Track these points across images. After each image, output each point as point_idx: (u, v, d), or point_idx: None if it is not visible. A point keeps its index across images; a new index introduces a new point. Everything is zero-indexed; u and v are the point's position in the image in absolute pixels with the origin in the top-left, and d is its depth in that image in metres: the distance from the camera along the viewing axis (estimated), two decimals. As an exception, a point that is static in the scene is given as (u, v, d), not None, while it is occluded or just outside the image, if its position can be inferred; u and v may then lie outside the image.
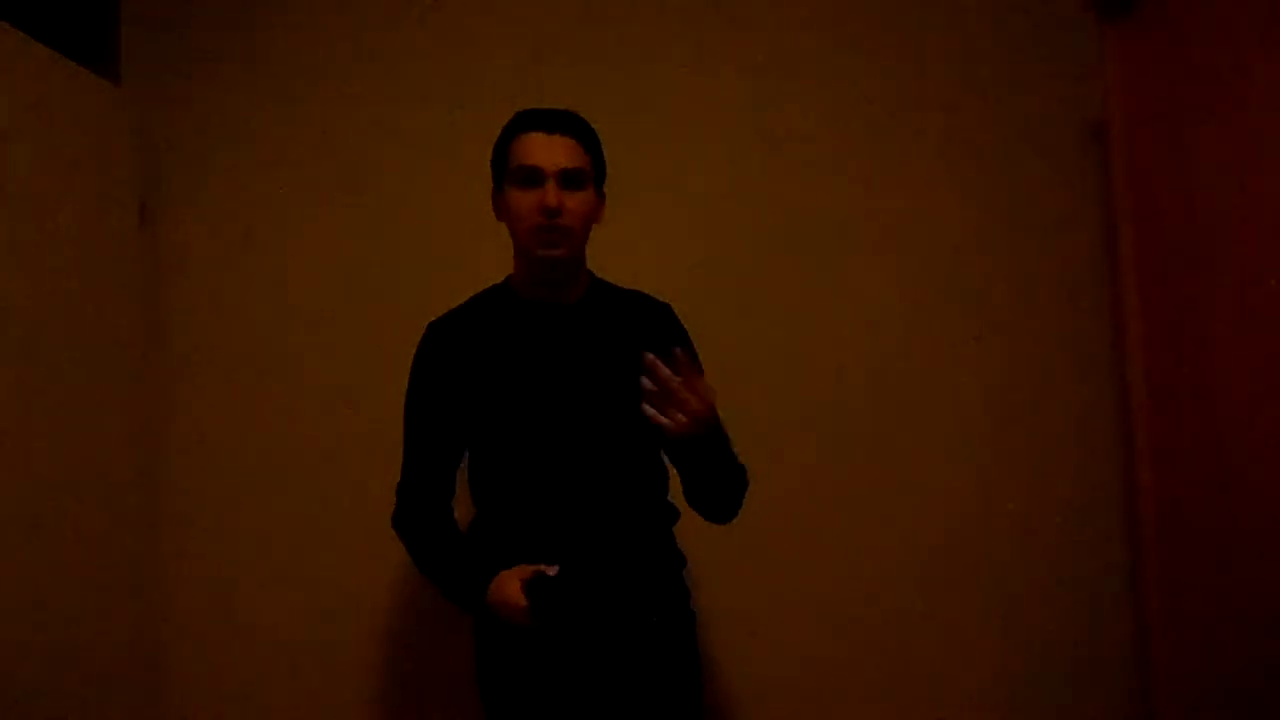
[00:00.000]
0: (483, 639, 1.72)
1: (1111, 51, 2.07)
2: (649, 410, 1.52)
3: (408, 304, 2.32)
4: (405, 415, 1.74)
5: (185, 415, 2.35)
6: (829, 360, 2.31)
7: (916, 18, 2.35)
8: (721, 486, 1.69)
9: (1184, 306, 1.92)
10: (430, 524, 1.71)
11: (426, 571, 1.72)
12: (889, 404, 2.30)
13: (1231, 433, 1.80)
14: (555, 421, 1.68)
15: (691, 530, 1.82)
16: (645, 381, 1.51)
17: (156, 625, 2.30)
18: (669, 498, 1.80)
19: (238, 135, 2.39)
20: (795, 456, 2.27)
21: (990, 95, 2.33)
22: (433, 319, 1.77)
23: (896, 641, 2.26)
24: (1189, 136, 1.87)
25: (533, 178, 1.65)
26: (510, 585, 1.57)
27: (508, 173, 1.69)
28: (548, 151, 1.65)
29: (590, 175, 1.68)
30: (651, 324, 1.79)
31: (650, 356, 1.50)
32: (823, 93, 2.35)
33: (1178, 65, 1.89)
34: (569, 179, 1.65)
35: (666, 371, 1.51)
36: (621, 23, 2.37)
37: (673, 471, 1.78)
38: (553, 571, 1.57)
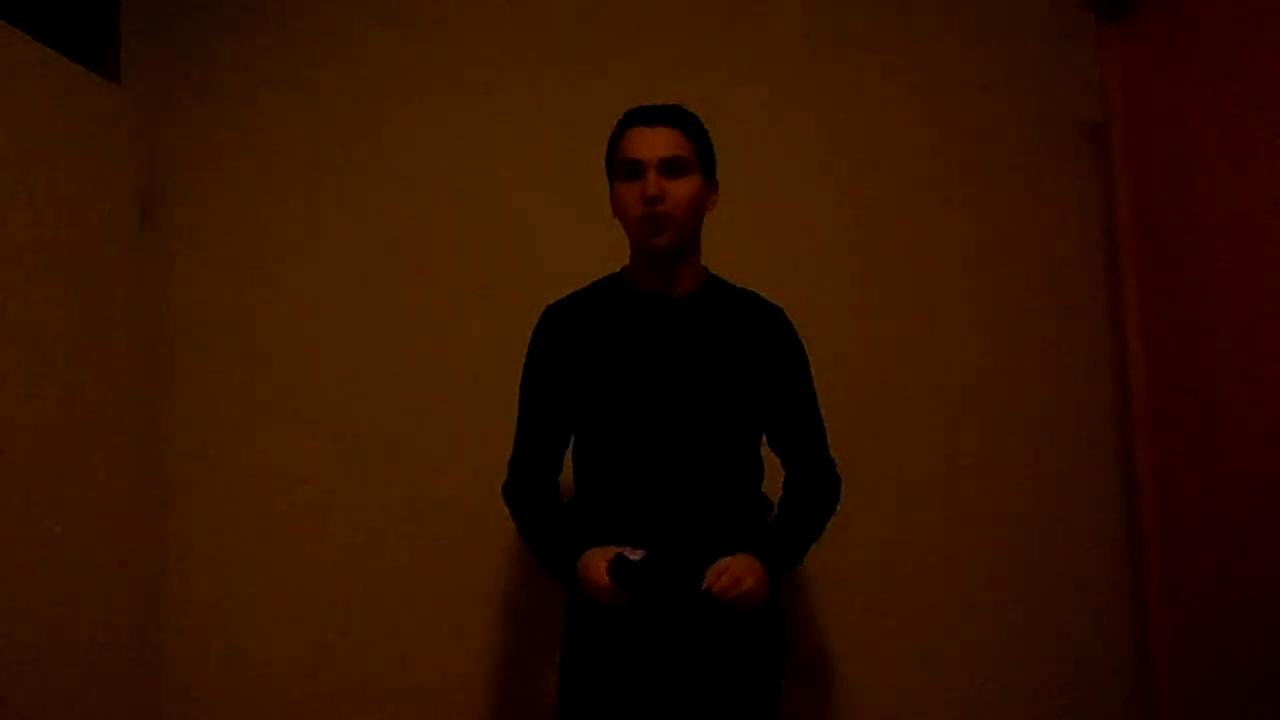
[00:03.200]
0: (574, 614, 1.77)
1: (1111, 51, 2.08)
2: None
3: (409, 303, 2.34)
4: (521, 392, 1.81)
5: (186, 415, 2.35)
6: (826, 358, 2.30)
7: (915, 18, 2.35)
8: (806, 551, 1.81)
9: (1184, 305, 1.92)
10: (535, 498, 1.78)
11: (528, 542, 1.80)
12: (888, 402, 2.30)
13: (1231, 432, 1.80)
14: (657, 411, 1.72)
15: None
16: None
17: (156, 627, 2.29)
18: (763, 490, 1.83)
19: (238, 135, 2.39)
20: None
21: (990, 95, 2.33)
22: (550, 303, 1.82)
23: (895, 640, 2.26)
24: (1189, 136, 1.87)
25: (634, 170, 1.70)
26: (596, 564, 1.63)
27: (615, 168, 1.74)
28: (647, 142, 1.70)
29: (693, 163, 1.72)
30: (762, 325, 1.82)
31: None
32: (821, 94, 2.35)
33: (1178, 65, 1.90)
34: (669, 167, 1.69)
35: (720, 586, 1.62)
36: (629, 23, 2.37)
37: (769, 465, 1.83)
38: (637, 555, 1.61)
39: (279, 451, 2.33)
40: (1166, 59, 1.93)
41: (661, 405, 1.72)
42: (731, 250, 2.31)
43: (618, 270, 1.84)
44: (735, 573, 1.62)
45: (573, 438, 1.82)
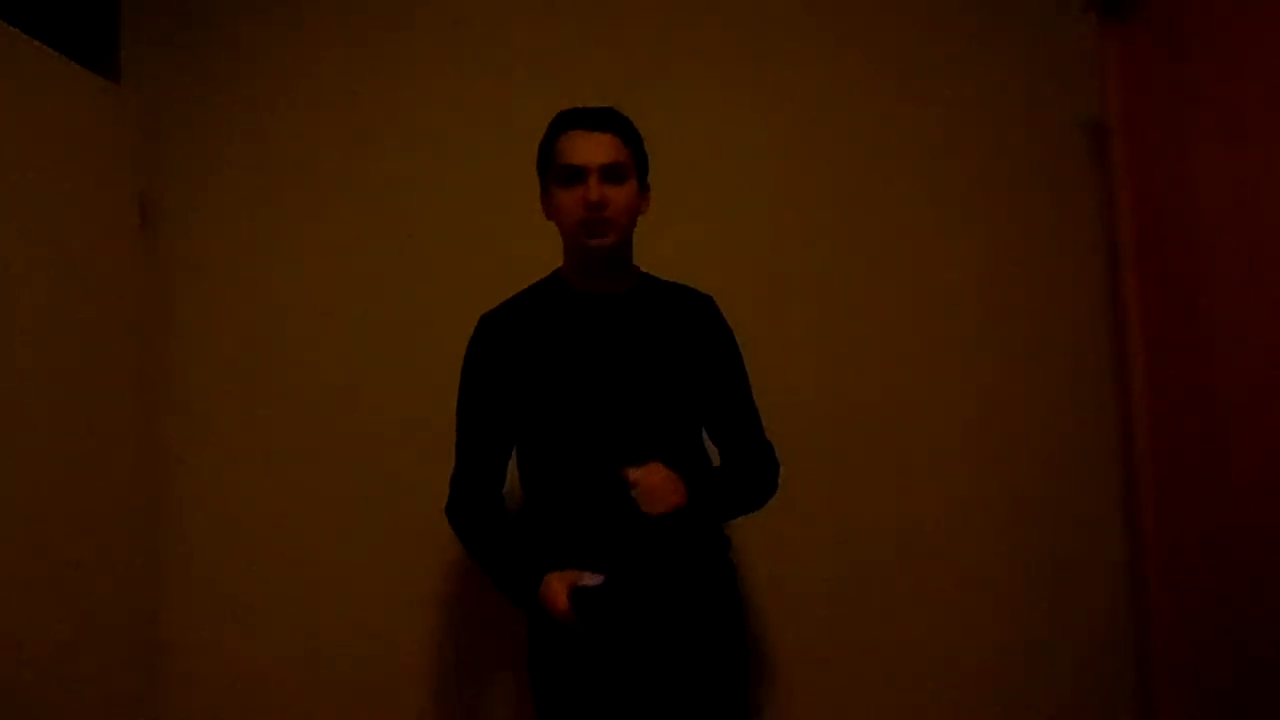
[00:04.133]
0: (536, 629, 1.76)
1: (1111, 51, 2.07)
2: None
3: (412, 303, 2.34)
4: (458, 407, 1.79)
5: (186, 415, 2.35)
6: (826, 358, 2.31)
7: (916, 17, 2.35)
8: (736, 510, 1.86)
9: (1184, 306, 1.92)
10: (482, 516, 1.76)
11: (479, 561, 1.78)
12: (889, 402, 2.30)
13: (1231, 432, 1.80)
14: (602, 411, 1.72)
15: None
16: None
17: (157, 629, 2.29)
18: None
19: (239, 134, 2.39)
20: (794, 453, 2.27)
21: (990, 95, 2.33)
22: (484, 312, 1.81)
23: (896, 639, 2.26)
24: (1189, 136, 1.87)
25: (575, 175, 1.70)
26: (558, 592, 1.62)
27: (552, 172, 1.74)
28: (588, 148, 1.70)
29: (631, 169, 1.74)
30: (696, 316, 1.84)
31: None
32: (822, 94, 2.35)
33: (1178, 65, 1.89)
34: (610, 173, 1.70)
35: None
36: (633, 24, 2.37)
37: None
38: (595, 580, 1.61)
39: (281, 452, 2.33)
40: (1167, 59, 1.93)
41: (610, 404, 1.72)
42: (731, 250, 2.32)
43: (549, 274, 1.83)
44: (657, 468, 1.66)
45: (515, 448, 1.80)
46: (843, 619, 2.27)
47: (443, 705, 2.29)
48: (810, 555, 2.28)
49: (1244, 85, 1.72)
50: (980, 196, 2.32)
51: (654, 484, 1.64)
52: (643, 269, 1.86)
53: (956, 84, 2.34)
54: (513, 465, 1.82)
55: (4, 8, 1.97)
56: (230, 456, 2.34)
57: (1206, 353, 1.86)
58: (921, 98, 2.34)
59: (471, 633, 2.29)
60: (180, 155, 2.39)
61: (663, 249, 2.26)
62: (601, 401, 1.72)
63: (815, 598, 2.27)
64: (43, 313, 1.97)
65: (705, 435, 1.88)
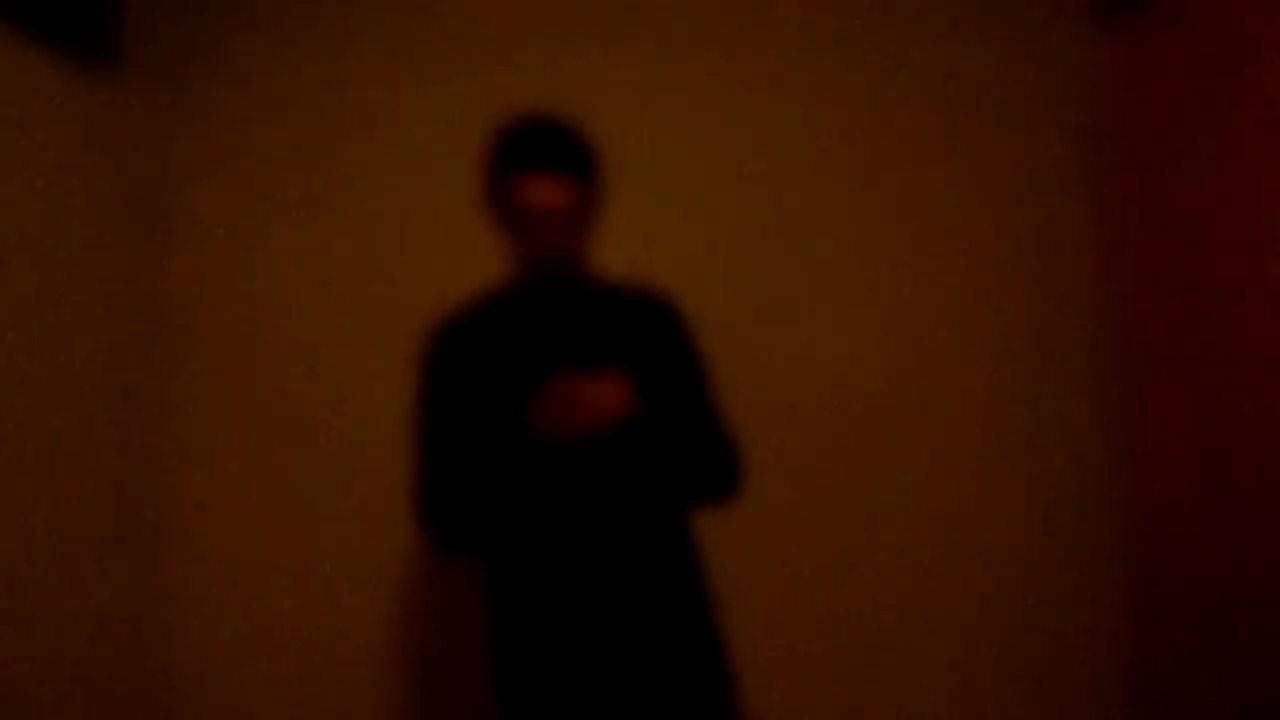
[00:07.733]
0: (501, 637, 1.72)
1: (1111, 52, 2.08)
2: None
3: (415, 302, 2.33)
4: (424, 414, 1.74)
5: (187, 416, 2.34)
6: (827, 359, 2.31)
7: (916, 18, 2.35)
8: (689, 465, 1.72)
9: (1183, 305, 1.93)
10: (463, 476, 1.69)
11: (475, 517, 1.68)
12: (886, 402, 2.30)
13: (1230, 431, 1.80)
14: None
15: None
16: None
17: (160, 630, 2.29)
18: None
19: (240, 132, 2.38)
20: (786, 455, 2.28)
21: (989, 96, 2.33)
22: (437, 318, 1.78)
23: (892, 639, 2.27)
24: (1188, 137, 1.88)
25: (524, 222, 1.66)
26: (537, 400, 1.57)
27: (499, 208, 1.70)
28: (537, 193, 1.64)
29: (583, 195, 1.68)
30: (654, 311, 1.81)
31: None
32: (821, 93, 2.35)
33: (1177, 66, 1.90)
34: (561, 211, 1.66)
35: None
36: (619, 18, 2.37)
37: None
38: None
39: (284, 451, 2.33)
40: (1166, 60, 1.93)
41: None
42: (731, 247, 2.32)
43: (500, 275, 1.80)
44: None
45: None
46: (837, 620, 2.28)
47: (441, 700, 2.29)
48: (798, 558, 2.28)
49: (1243, 85, 1.72)
50: (978, 197, 2.32)
51: (577, 388, 1.55)
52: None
53: (953, 85, 2.34)
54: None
55: (2, 3, 1.95)
56: (232, 456, 2.33)
57: (1205, 351, 1.86)
58: (918, 99, 2.34)
59: (469, 629, 2.29)
60: (182, 152, 2.37)
61: (660, 248, 2.28)
62: None
63: (808, 600, 2.28)
64: (41, 313, 1.96)
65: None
